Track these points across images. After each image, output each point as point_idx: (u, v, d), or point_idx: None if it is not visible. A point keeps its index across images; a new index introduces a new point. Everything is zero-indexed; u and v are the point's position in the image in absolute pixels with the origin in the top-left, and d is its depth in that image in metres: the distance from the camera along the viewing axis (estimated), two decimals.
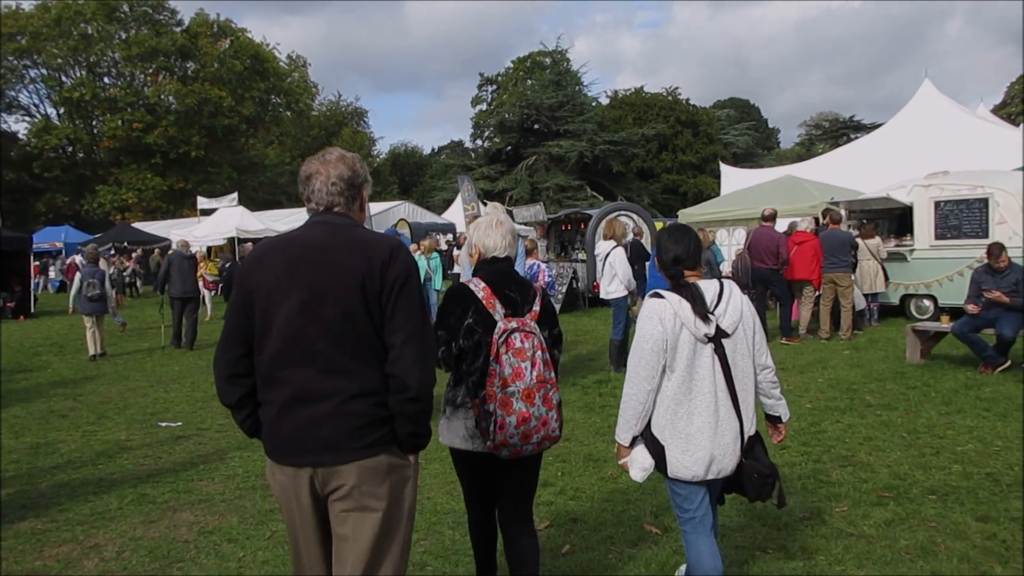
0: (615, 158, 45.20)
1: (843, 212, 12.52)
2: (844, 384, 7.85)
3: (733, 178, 21.12)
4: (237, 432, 6.64)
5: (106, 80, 47.20)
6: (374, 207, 27.67)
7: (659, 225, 15.73)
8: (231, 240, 26.57)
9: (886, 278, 12.01)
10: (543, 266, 8.68)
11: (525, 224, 17.25)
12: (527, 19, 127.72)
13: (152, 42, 44.53)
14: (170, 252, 13.11)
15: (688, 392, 2.86)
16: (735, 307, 2.94)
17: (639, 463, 2.95)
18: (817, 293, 11.25)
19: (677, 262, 2.99)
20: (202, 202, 33.86)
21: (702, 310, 2.87)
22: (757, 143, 58.72)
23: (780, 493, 3.05)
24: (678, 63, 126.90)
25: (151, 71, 45.72)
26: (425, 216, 30.50)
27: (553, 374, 2.97)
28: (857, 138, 35.32)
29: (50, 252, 32.55)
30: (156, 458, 5.93)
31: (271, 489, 2.41)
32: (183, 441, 6.44)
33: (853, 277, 11.19)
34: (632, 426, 2.92)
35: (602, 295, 8.99)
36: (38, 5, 44.67)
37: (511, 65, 53.58)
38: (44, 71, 45.78)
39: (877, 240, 12.06)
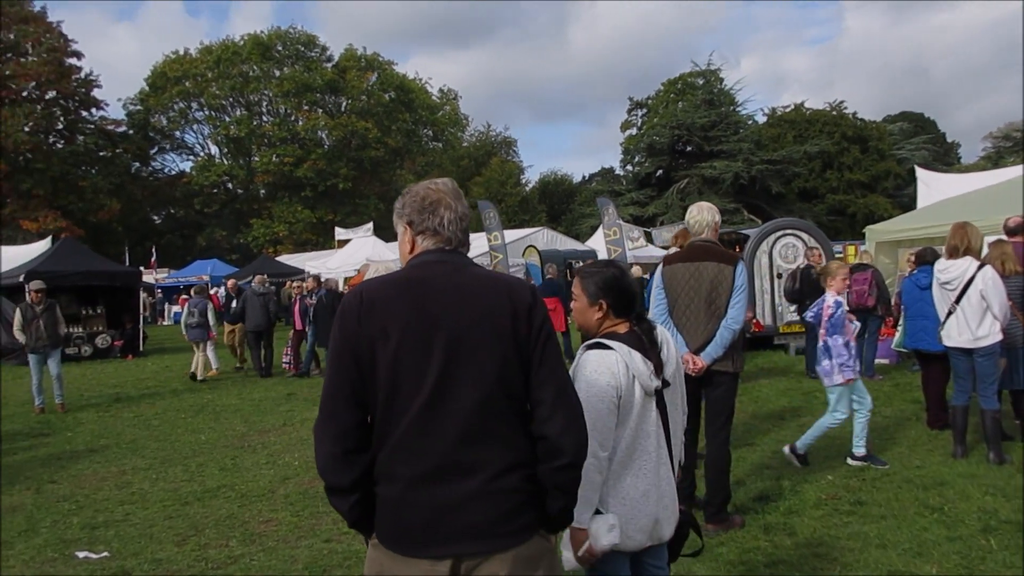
0: (774, 178, 40.90)
1: None
2: None
3: (935, 185, 16.88)
4: None
5: (264, 118, 48.80)
6: (511, 234, 26.41)
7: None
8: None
9: None
10: None
11: (666, 248, 14.20)
12: (691, 40, 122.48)
13: (303, 78, 45.51)
14: (245, 289, 13.58)
15: (631, 454, 2.51)
16: (672, 353, 2.66)
17: (604, 530, 2.39)
18: None
19: (633, 302, 2.71)
20: (339, 233, 33.71)
21: (657, 360, 2.56)
22: (935, 158, 51.80)
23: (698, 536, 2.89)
24: (849, 77, 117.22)
25: (304, 107, 46.69)
26: (565, 243, 28.31)
27: None
28: None
29: (198, 285, 33.02)
30: None
31: None
32: None
33: None
34: (594, 502, 2.43)
35: (955, 343, 5.79)
36: (201, 48, 47.05)
37: (661, 88, 50.45)
38: (207, 111, 47.90)
39: None
